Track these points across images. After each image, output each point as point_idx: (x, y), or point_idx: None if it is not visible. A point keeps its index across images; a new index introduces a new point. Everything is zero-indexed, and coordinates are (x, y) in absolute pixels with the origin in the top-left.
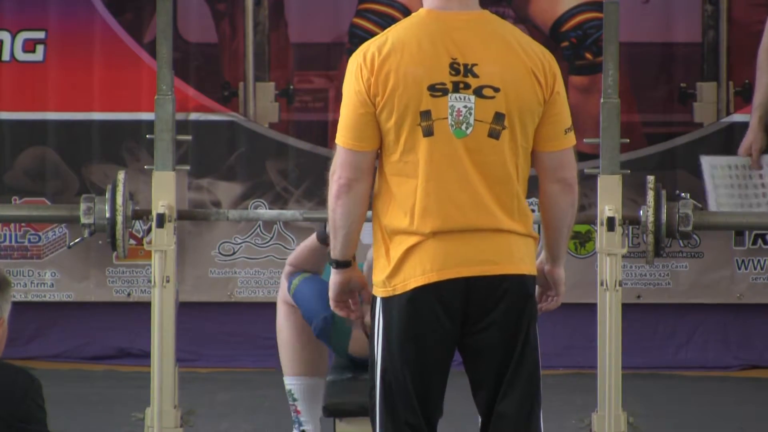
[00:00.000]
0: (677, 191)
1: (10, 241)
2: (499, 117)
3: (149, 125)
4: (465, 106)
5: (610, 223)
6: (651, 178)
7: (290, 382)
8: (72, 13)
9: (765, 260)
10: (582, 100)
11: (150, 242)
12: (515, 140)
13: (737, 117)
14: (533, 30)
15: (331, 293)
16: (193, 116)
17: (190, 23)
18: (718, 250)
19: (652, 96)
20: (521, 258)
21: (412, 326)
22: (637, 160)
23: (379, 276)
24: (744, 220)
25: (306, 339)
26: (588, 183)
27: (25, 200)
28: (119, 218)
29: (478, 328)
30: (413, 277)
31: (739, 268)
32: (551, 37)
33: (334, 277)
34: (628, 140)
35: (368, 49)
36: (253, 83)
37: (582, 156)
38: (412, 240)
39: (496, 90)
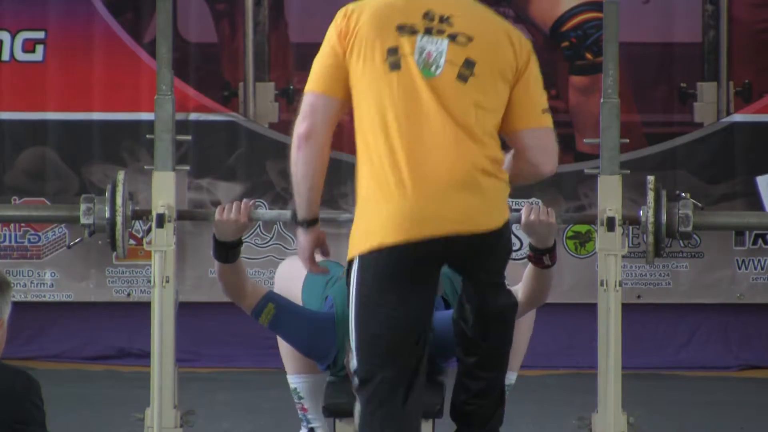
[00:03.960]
0: (677, 191)
1: (10, 241)
2: (469, 63)
3: (149, 125)
4: (436, 49)
5: (610, 223)
6: (651, 178)
7: (294, 381)
8: (72, 13)
9: (765, 260)
10: (582, 100)
11: (150, 242)
12: (483, 91)
13: (737, 117)
14: (533, 30)
15: (303, 255)
16: (193, 116)
17: (190, 23)
18: (718, 250)
19: (652, 96)
20: (498, 209)
21: (391, 285)
22: (637, 160)
23: (356, 233)
24: (744, 220)
25: None
26: (588, 183)
27: (25, 200)
28: (119, 218)
29: (461, 267)
30: (392, 235)
31: (740, 268)
32: (551, 37)
33: (305, 238)
34: (628, 140)
35: (348, 5)
36: (253, 83)
37: (582, 156)
38: (390, 192)
39: (470, 39)
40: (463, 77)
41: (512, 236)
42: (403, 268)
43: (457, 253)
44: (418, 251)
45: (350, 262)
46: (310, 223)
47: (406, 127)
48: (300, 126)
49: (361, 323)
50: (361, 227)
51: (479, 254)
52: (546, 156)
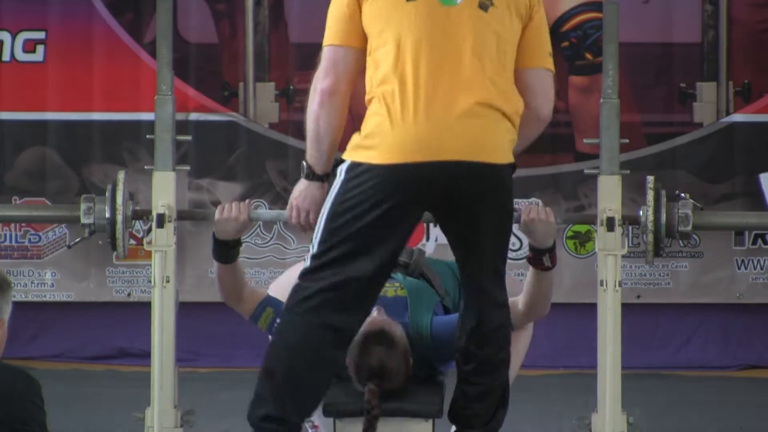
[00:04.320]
0: (677, 191)
1: (10, 241)
2: None
3: (149, 125)
4: None
5: (610, 224)
6: (651, 178)
7: None
8: (72, 13)
9: (765, 260)
10: (582, 100)
11: (150, 242)
12: (502, 22)
13: (737, 117)
14: None
15: (315, 205)
16: (193, 116)
17: (190, 23)
18: (718, 250)
19: (652, 96)
20: (502, 143)
21: (376, 202)
22: (637, 160)
23: (356, 140)
24: (744, 220)
25: None
26: (588, 183)
27: (25, 200)
28: (119, 218)
29: (460, 216)
30: (391, 156)
31: (739, 268)
32: (551, 37)
33: (320, 191)
34: (628, 140)
35: None
36: (253, 83)
37: (582, 156)
38: (397, 118)
39: None
40: (483, 6)
41: (512, 235)
42: (394, 189)
43: (456, 189)
44: (414, 175)
45: (341, 161)
46: (324, 177)
47: (423, 56)
48: (323, 81)
49: (330, 227)
50: (360, 139)
51: (481, 191)
52: (545, 99)
